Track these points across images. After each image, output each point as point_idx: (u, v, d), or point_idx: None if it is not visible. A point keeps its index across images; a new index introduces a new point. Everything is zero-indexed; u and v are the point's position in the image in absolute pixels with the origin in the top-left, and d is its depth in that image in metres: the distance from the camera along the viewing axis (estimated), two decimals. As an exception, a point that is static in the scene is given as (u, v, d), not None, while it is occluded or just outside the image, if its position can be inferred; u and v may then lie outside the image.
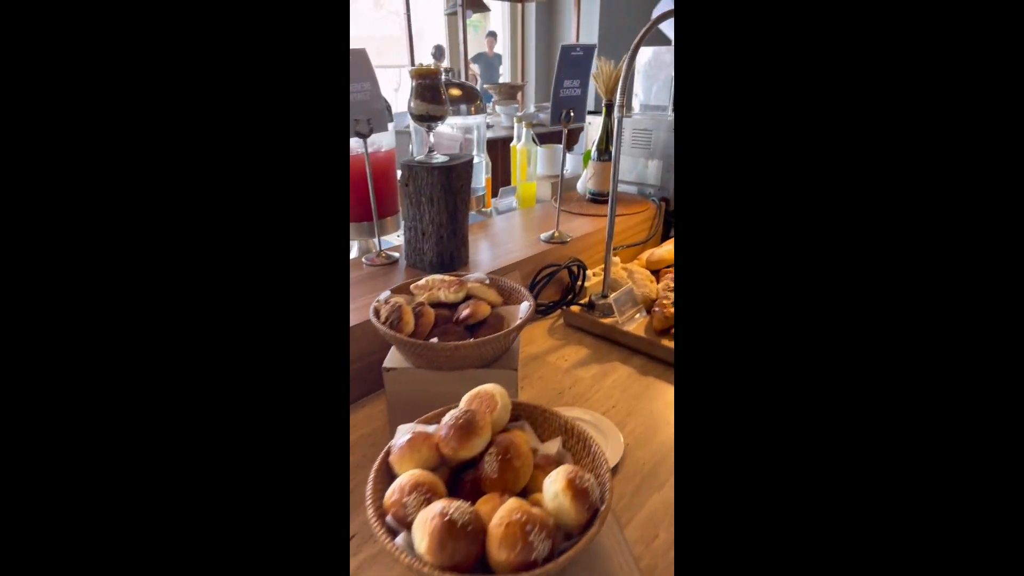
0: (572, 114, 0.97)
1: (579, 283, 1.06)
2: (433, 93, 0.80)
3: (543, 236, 1.07)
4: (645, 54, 1.47)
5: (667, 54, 1.40)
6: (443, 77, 1.22)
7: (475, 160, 1.30)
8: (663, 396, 0.76)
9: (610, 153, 1.26)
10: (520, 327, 0.62)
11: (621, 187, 1.49)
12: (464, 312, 0.63)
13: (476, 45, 5.34)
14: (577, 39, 2.98)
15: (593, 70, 1.41)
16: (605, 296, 0.94)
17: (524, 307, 0.65)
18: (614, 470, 0.62)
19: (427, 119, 0.82)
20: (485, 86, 3.27)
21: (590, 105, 1.50)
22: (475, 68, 5.13)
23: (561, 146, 1.65)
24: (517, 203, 1.47)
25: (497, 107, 3.00)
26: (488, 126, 3.02)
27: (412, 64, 2.92)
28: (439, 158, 0.85)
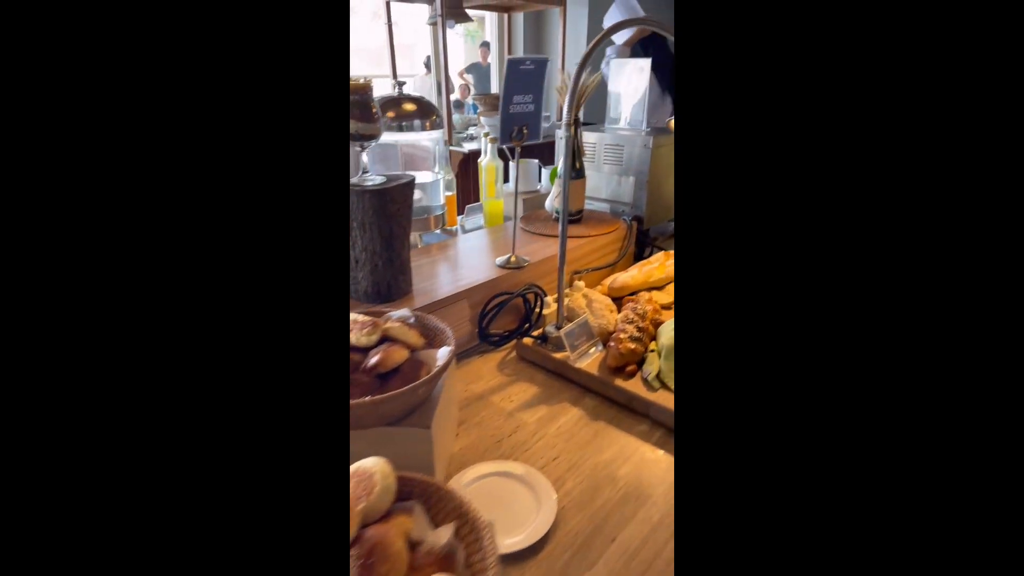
0: (526, 131, 0.90)
1: (537, 311, 0.99)
2: (362, 110, 0.73)
3: (498, 261, 1.00)
4: (620, 68, 1.41)
5: (640, 67, 1.34)
6: (397, 91, 1.16)
7: (435, 178, 1.23)
8: (611, 446, 0.69)
9: (577, 170, 1.19)
10: (433, 379, 0.54)
11: (594, 205, 1.42)
12: (373, 359, 0.56)
13: (472, 55, 5.31)
14: (563, 50, 2.93)
15: (556, 83, 1.35)
16: (559, 327, 0.87)
17: (443, 352, 0.58)
18: (542, 541, 0.54)
19: (358, 138, 0.75)
20: (473, 97, 3.22)
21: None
22: (469, 78, 5.10)
23: (536, 161, 1.59)
24: (484, 221, 1.40)
25: (482, 118, 2.95)
26: (471, 138, 2.96)
27: (395, 76, 2.86)
28: (373, 180, 0.78)
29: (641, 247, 1.34)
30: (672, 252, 1.16)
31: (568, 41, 2.97)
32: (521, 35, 3.33)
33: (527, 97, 0.87)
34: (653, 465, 0.65)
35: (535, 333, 0.89)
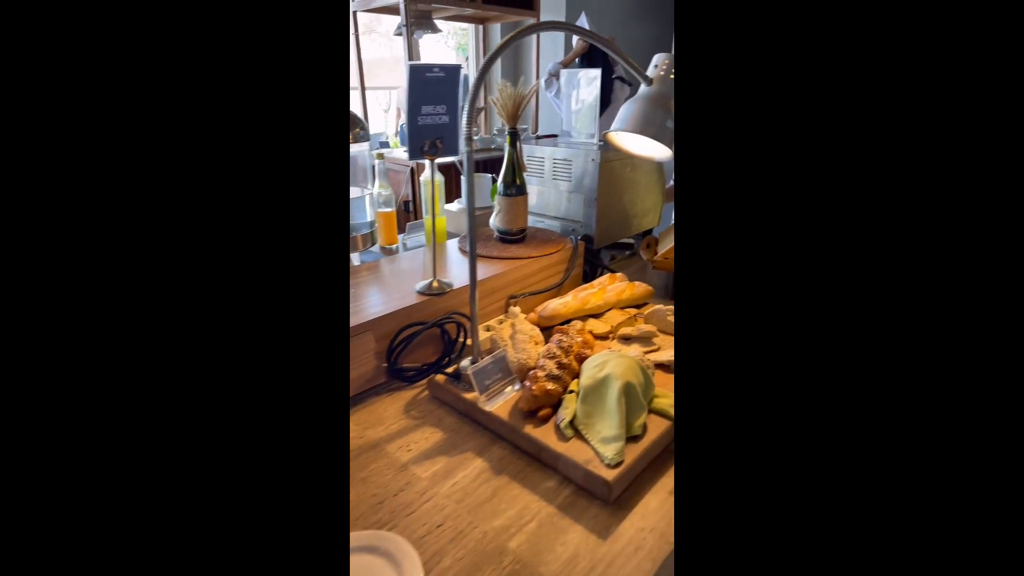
0: (439, 144, 0.82)
1: (462, 342, 0.90)
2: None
3: (418, 286, 0.91)
4: (570, 78, 1.34)
5: (590, 77, 1.26)
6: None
7: (357, 193, 1.15)
8: (509, 508, 0.59)
9: (517, 187, 1.11)
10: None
11: (545, 223, 1.34)
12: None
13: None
14: (538, 61, 2.88)
15: (492, 95, 1.27)
16: (475, 362, 0.78)
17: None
18: (393, 642, 0.44)
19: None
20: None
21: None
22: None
23: (489, 176, 1.51)
24: (426, 239, 1.31)
25: (454, 131, 2.87)
26: (442, 150, 2.89)
27: (363, 88, 2.80)
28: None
29: (595, 269, 1.26)
30: (617, 275, 1.07)
31: (543, 52, 2.92)
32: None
33: (439, 108, 0.79)
34: (552, 534, 0.56)
35: (449, 370, 0.80)
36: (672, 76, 0.85)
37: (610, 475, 0.59)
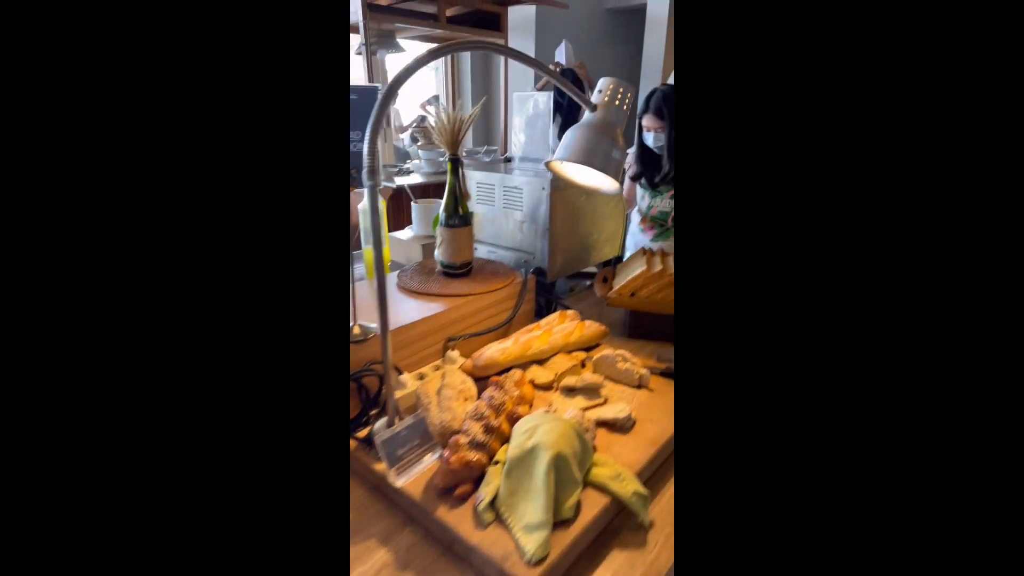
0: (355, 175, 0.73)
1: (380, 396, 0.79)
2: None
3: (336, 332, 0.81)
4: (522, 103, 1.27)
5: (541, 101, 1.20)
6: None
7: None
8: (407, 620, 0.49)
9: (461, 217, 1.02)
10: None
11: (498, 254, 1.25)
12: None
13: (434, 87, 5.27)
14: (506, 84, 2.84)
15: (430, 119, 1.19)
16: (391, 424, 0.67)
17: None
18: None
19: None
20: (414, 129, 3.08)
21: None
22: (431, 109, 5.01)
23: (440, 202, 1.42)
24: (365, 271, 1.21)
25: (420, 152, 2.80)
26: (407, 172, 2.81)
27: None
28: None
29: (549, 304, 1.17)
30: (569, 312, 0.98)
31: (512, 75, 2.88)
32: (468, 68, 3.24)
33: (355, 134, 0.70)
34: (455, 657, 0.45)
35: (361, 433, 0.69)
36: (617, 102, 0.78)
37: (529, 576, 0.49)
